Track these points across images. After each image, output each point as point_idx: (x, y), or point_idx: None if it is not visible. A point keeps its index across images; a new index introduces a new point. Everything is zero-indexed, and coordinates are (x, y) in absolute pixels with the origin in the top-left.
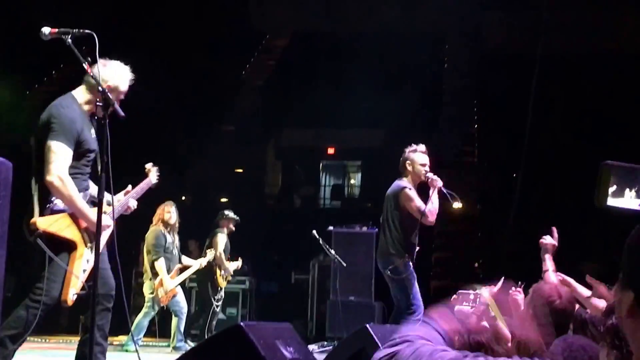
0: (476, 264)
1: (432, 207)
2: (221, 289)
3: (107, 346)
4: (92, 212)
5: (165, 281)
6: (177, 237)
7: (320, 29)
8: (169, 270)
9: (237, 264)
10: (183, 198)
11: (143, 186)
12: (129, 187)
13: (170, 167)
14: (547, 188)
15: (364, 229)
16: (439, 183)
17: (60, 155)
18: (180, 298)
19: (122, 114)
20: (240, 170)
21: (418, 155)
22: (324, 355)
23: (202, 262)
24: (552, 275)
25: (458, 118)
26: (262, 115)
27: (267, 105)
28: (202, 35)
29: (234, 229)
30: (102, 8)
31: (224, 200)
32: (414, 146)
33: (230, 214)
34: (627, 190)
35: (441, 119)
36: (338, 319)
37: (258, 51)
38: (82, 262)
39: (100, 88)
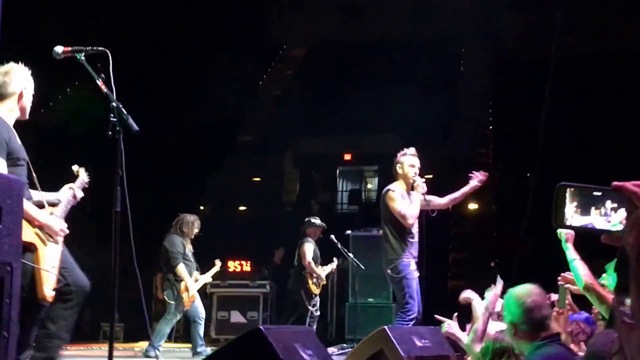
0: (492, 264)
1: (411, 210)
2: (315, 295)
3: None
4: (41, 212)
5: (190, 285)
6: (191, 245)
7: (337, 38)
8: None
9: (332, 266)
10: (201, 208)
11: (78, 185)
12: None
13: (189, 177)
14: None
15: (381, 232)
16: (422, 190)
17: None
18: (198, 304)
19: (136, 127)
20: (258, 179)
21: (407, 158)
22: (343, 358)
23: (213, 269)
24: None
25: (473, 120)
26: (279, 124)
27: (284, 113)
28: (220, 46)
29: (321, 235)
30: (114, 22)
31: (242, 208)
32: (404, 150)
33: (316, 221)
34: (593, 208)
35: (456, 120)
36: (357, 322)
37: (275, 61)
38: (48, 259)
39: (114, 104)
